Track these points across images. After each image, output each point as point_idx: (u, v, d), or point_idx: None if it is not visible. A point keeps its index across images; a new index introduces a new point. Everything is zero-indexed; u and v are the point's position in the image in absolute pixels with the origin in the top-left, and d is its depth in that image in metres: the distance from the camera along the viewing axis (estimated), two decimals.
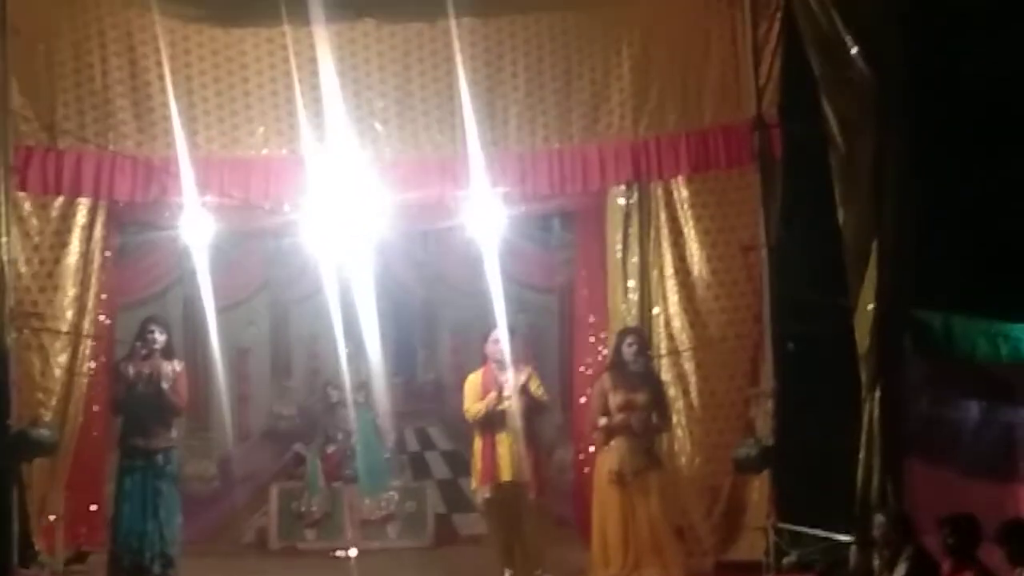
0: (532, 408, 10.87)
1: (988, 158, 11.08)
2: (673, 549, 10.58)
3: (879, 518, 8.89)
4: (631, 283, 11.52)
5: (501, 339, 10.88)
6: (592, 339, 12.25)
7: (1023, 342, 10.42)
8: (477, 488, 10.96)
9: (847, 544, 9.82)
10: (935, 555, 8.27)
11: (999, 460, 9.98)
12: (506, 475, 10.73)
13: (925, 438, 10.09)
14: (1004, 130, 11.12)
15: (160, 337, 10.80)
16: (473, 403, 10.89)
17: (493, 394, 10.75)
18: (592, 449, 11.29)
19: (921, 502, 9.62)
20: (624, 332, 10.98)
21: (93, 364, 11.16)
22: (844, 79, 10.16)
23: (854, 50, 10.11)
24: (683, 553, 10.68)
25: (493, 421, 10.77)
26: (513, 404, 10.73)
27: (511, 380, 10.73)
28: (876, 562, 9.05)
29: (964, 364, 10.26)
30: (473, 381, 11.00)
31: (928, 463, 10.02)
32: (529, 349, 12.41)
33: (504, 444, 10.74)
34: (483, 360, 11.03)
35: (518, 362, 10.94)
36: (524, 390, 10.77)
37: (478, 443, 10.88)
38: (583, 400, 12.02)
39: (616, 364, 10.78)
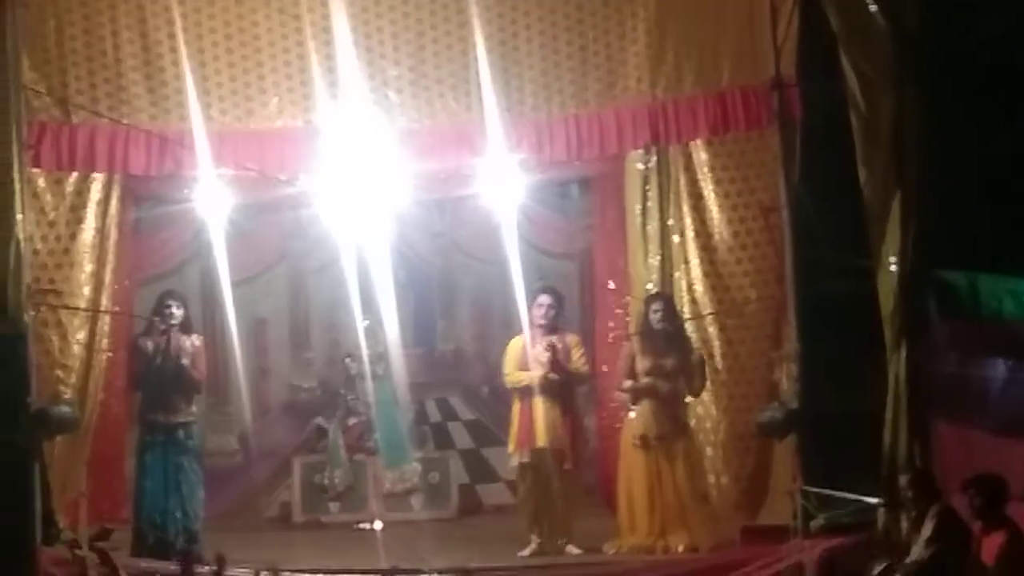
0: (572, 377, 10.86)
1: (1010, 113, 10.97)
2: (699, 514, 10.62)
3: (904, 479, 8.85)
4: (651, 248, 11.47)
5: (545, 304, 10.90)
6: (614, 305, 12.19)
7: None
8: (513, 452, 10.96)
9: (875, 506, 9.76)
10: (964, 514, 8.21)
11: None
12: (542, 441, 10.72)
13: (952, 398, 10.00)
14: None
15: (178, 312, 10.81)
16: (514, 370, 10.99)
17: (539, 371, 10.76)
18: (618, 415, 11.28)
19: (950, 462, 9.56)
20: (651, 298, 11.00)
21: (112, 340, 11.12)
22: (863, 36, 10.04)
23: (872, 6, 9.98)
24: (709, 518, 10.68)
25: (532, 387, 10.78)
26: (554, 371, 10.74)
27: (552, 347, 10.78)
28: (904, 523, 9.04)
29: (991, 323, 10.17)
30: (515, 346, 11.07)
31: (956, 423, 9.94)
32: None
33: (541, 410, 10.73)
34: (531, 323, 11.02)
35: (563, 329, 10.98)
36: (566, 358, 10.74)
37: (516, 408, 10.95)
38: (605, 368, 11.97)
39: (643, 329, 10.78)
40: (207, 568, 9.50)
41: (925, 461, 9.64)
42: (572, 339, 11.07)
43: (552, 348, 10.82)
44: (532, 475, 10.87)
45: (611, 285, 12.35)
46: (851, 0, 10.08)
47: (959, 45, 10.72)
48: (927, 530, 8.20)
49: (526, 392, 10.87)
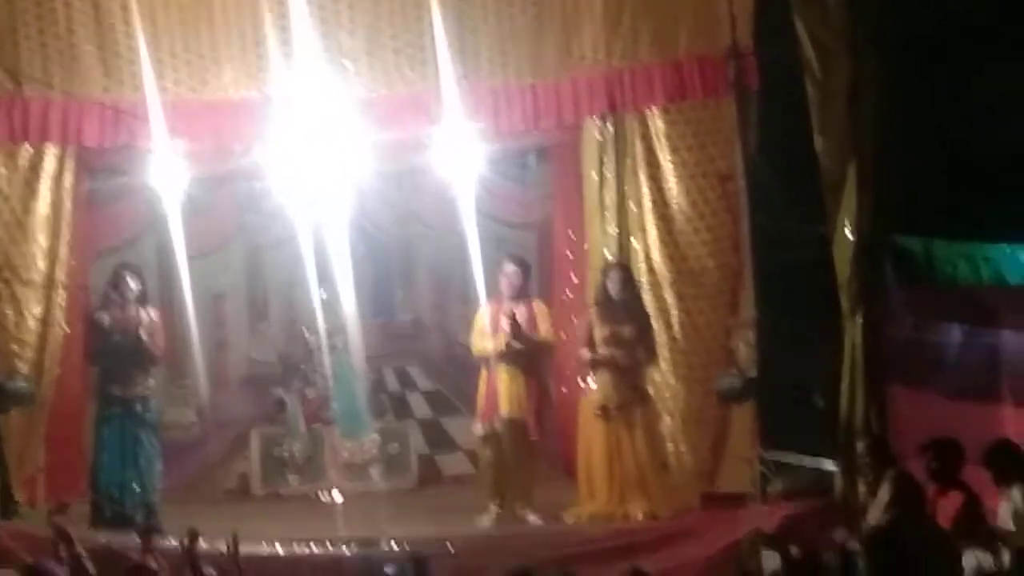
0: (539, 346, 10.87)
1: (965, 78, 11.02)
2: (658, 482, 10.63)
3: (860, 444, 8.91)
4: (609, 216, 11.42)
5: (510, 272, 10.91)
6: (572, 274, 12.19)
7: (1004, 264, 10.41)
8: (478, 421, 10.97)
9: (832, 472, 9.82)
10: (920, 478, 8.27)
11: (982, 382, 9.99)
12: (506, 410, 10.72)
13: (908, 363, 10.09)
14: (981, 50, 11.06)
15: (134, 285, 10.76)
16: (480, 339, 10.95)
17: (501, 336, 10.75)
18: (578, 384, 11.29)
19: (906, 427, 9.64)
20: (608, 267, 10.97)
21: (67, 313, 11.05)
22: (818, 3, 10.08)
23: None
24: (669, 486, 10.70)
25: (497, 355, 10.80)
26: (519, 340, 10.74)
27: (521, 315, 10.79)
28: (862, 488, 9.09)
29: (946, 288, 10.24)
30: (482, 314, 11.02)
31: (912, 388, 10.03)
32: None
33: (507, 380, 10.74)
34: (495, 292, 11.02)
35: (530, 297, 11.01)
36: (533, 328, 10.79)
37: (483, 377, 10.92)
38: (564, 337, 11.98)
39: (601, 298, 10.78)
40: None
41: (881, 426, 9.71)
42: (540, 308, 11.04)
43: (513, 316, 10.79)
44: (495, 444, 10.86)
45: (569, 255, 12.31)
46: None
47: (914, 12, 10.73)
48: (884, 494, 8.21)
49: (492, 361, 10.84)
